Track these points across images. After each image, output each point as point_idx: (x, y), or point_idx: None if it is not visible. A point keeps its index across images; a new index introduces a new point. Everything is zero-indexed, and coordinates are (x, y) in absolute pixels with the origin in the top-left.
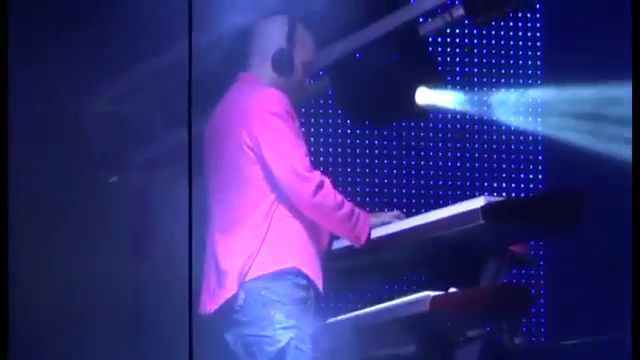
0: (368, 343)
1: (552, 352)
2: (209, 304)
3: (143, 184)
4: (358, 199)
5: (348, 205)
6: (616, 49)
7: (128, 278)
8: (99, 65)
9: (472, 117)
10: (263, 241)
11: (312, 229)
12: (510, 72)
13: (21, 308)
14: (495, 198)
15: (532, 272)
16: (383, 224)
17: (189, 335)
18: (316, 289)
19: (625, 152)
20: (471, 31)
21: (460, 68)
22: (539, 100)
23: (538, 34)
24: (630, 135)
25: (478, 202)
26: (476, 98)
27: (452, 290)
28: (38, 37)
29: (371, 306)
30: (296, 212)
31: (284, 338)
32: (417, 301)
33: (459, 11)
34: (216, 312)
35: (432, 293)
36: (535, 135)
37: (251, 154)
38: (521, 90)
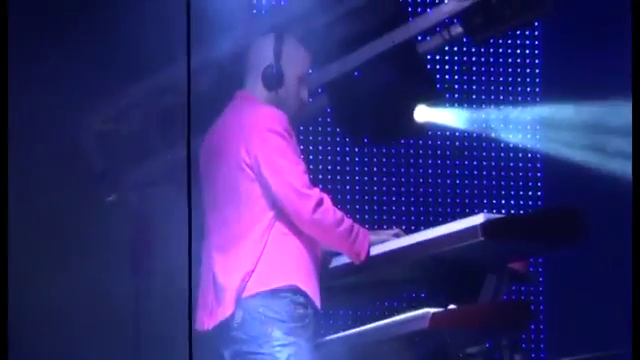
0: None
1: None
2: (207, 321)
3: (141, 202)
4: (357, 217)
5: (348, 221)
6: (615, 66)
7: (127, 296)
8: (98, 81)
9: (471, 134)
10: (260, 258)
11: (310, 246)
12: (508, 89)
13: (20, 327)
14: (494, 215)
15: (531, 288)
16: (382, 242)
17: (189, 352)
18: (314, 306)
19: (625, 168)
20: (469, 49)
21: (459, 86)
22: (538, 117)
23: (536, 51)
24: (630, 150)
25: (477, 219)
26: (475, 115)
27: (452, 307)
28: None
29: (370, 323)
30: (294, 229)
31: (282, 356)
32: (417, 318)
33: (457, 29)
34: (214, 329)
35: (432, 310)
36: (534, 152)
37: (249, 172)
38: (519, 107)
